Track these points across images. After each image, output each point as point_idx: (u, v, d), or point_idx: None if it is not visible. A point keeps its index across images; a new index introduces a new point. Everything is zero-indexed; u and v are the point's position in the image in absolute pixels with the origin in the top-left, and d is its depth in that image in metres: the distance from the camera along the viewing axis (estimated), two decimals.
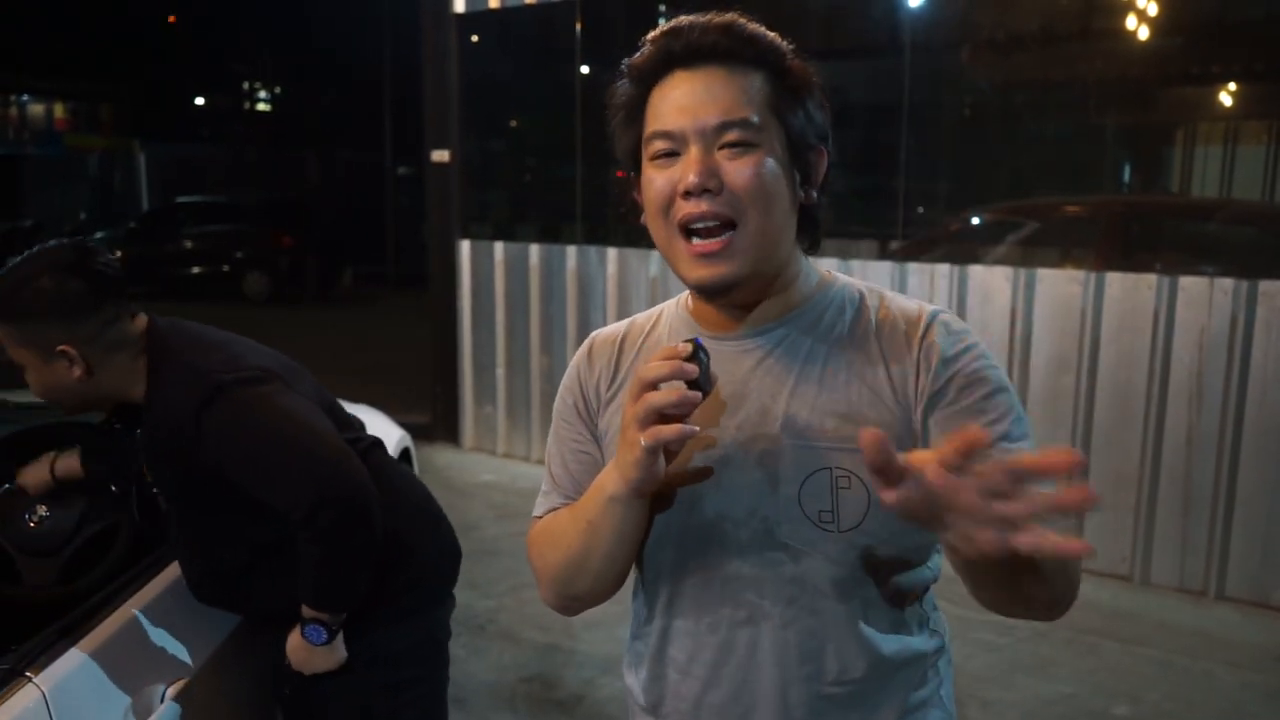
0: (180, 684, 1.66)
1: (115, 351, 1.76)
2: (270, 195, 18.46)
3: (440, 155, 6.19)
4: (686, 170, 1.06)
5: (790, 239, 1.12)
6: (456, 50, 6.15)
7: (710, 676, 1.14)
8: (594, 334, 1.29)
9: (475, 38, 6.23)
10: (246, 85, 36.24)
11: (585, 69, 5.80)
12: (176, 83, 31.38)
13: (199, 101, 34.37)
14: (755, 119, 1.06)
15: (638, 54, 1.11)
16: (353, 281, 17.49)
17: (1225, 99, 5.00)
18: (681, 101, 1.07)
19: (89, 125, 29.81)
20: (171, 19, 32.26)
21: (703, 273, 1.08)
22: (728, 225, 1.06)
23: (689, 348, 0.99)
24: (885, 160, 5.09)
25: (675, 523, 1.12)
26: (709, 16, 1.08)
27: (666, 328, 1.22)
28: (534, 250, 6.05)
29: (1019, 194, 5.20)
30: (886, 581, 1.11)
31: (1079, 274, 4.44)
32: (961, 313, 4.67)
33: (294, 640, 1.81)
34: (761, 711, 1.12)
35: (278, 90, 35.81)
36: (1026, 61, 4.98)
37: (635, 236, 5.81)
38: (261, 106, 36.53)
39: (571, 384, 1.25)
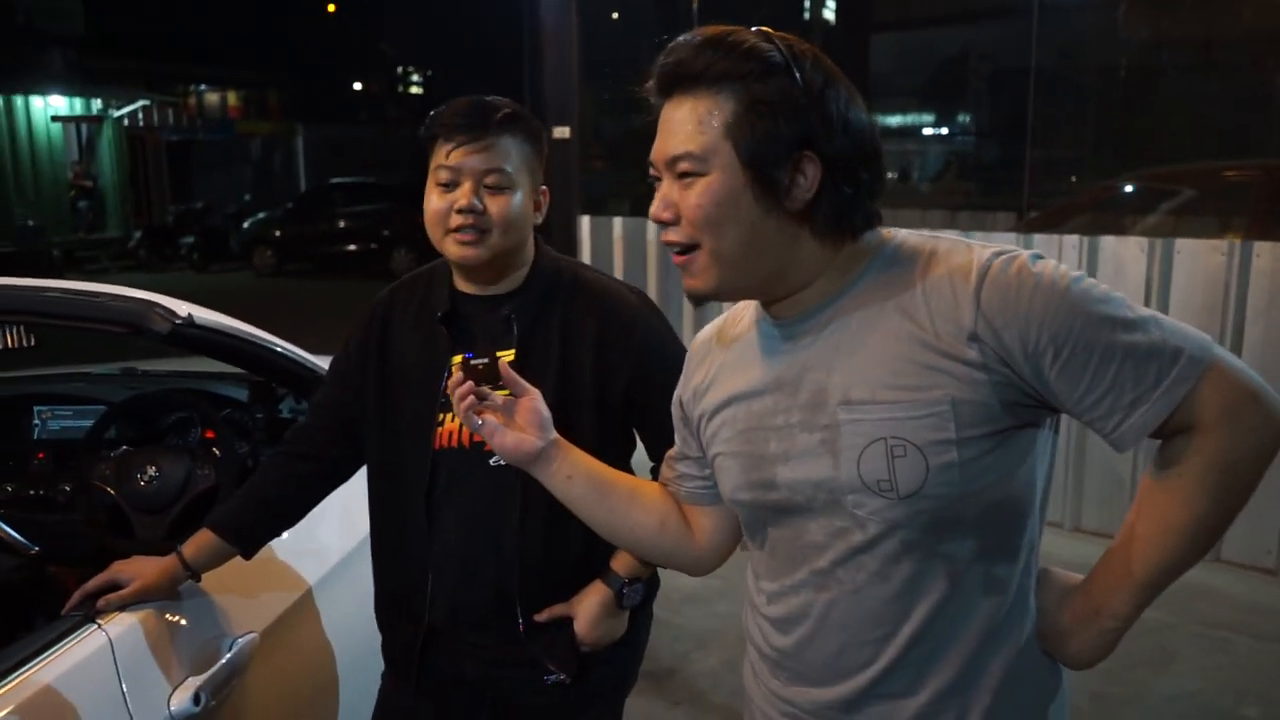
0: (248, 638, 1.74)
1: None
2: (416, 174, 19.17)
3: (561, 132, 6.25)
4: (654, 202, 1.16)
5: (779, 247, 1.13)
6: (576, 26, 6.19)
7: (800, 634, 1.21)
8: (701, 331, 1.40)
9: (594, 13, 6.25)
10: (400, 69, 37.53)
11: None
12: (336, 68, 32.80)
13: (356, 86, 35.84)
14: (698, 150, 1.11)
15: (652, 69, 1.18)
16: None
17: None
18: (658, 134, 1.16)
19: (258, 111, 31.57)
20: (331, 7, 33.71)
21: (685, 285, 1.18)
22: (691, 248, 1.15)
23: (459, 375, 1.37)
24: (1013, 128, 4.85)
25: (758, 500, 1.22)
26: (692, 36, 1.13)
27: (749, 322, 1.29)
28: (651, 225, 6.05)
29: (1158, 161, 4.88)
30: (969, 540, 1.12)
31: (1222, 244, 4.13)
32: None
33: (597, 608, 1.63)
34: (842, 671, 1.18)
35: (429, 73, 36.95)
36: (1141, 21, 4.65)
37: None
38: (415, 90, 37.77)
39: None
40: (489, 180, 1.56)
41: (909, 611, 1.13)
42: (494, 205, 1.56)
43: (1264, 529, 4.07)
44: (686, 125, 1.12)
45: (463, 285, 1.68)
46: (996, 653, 1.15)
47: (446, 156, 1.57)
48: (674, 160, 1.13)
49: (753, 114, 1.09)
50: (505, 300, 1.66)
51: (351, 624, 2.12)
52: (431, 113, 1.62)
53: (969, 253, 1.11)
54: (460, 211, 1.55)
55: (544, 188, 1.67)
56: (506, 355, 1.63)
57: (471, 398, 1.36)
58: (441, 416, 1.65)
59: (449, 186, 1.58)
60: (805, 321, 1.17)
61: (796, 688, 1.24)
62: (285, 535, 2.02)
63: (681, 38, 1.14)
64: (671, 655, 3.47)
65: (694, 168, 1.12)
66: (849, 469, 1.11)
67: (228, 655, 1.67)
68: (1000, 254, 1.09)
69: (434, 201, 1.59)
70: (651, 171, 1.18)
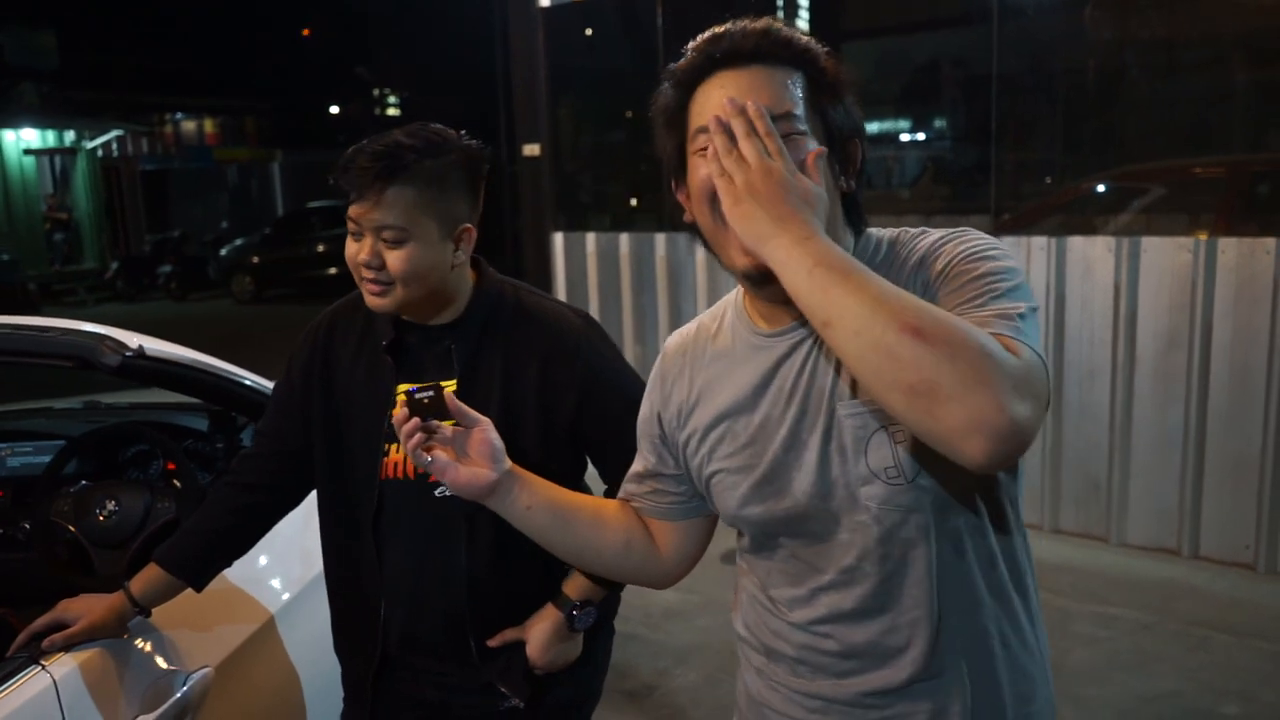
0: (201, 673, 1.71)
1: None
2: None
3: (531, 149, 6.25)
4: None
5: (837, 227, 1.15)
6: (543, 44, 6.19)
7: (838, 631, 1.20)
8: (667, 342, 1.36)
9: (560, 31, 6.26)
10: (376, 92, 37.54)
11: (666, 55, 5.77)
12: (313, 93, 32.76)
13: (334, 110, 35.81)
14: (799, 112, 1.12)
15: (681, 59, 1.18)
16: None
17: None
18: (723, 92, 1.12)
19: (236, 138, 31.50)
20: (305, 32, 33.70)
21: (751, 259, 1.08)
22: None
23: (404, 412, 1.30)
24: (978, 132, 4.88)
25: (769, 512, 1.20)
26: (746, 22, 1.15)
27: (730, 334, 1.27)
28: (624, 240, 6.05)
29: (1127, 160, 4.91)
30: (967, 514, 1.15)
31: (1189, 241, 4.15)
32: (1061, 287, 4.44)
33: (549, 632, 1.62)
34: (880, 658, 1.18)
35: (406, 95, 36.96)
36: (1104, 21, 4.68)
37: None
38: (391, 111, 37.77)
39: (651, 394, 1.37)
40: (385, 235, 1.52)
41: (937, 590, 1.15)
42: (392, 259, 1.53)
43: (1242, 524, 4.08)
44: (774, 88, 1.12)
45: (403, 314, 1.67)
46: (1011, 615, 1.19)
47: (349, 207, 1.56)
48: (775, 119, 1.09)
49: (830, 91, 1.15)
50: (446, 331, 1.64)
51: (317, 653, 2.08)
52: (344, 153, 1.57)
53: (926, 237, 1.16)
54: (363, 265, 1.54)
55: (467, 226, 1.59)
56: (449, 385, 1.61)
57: (419, 434, 1.30)
58: (387, 447, 1.63)
59: (355, 236, 1.56)
60: (802, 328, 1.17)
61: (824, 680, 1.22)
62: (262, 560, 1.99)
63: (729, 26, 1.16)
64: (652, 671, 3.44)
65: (793, 129, 1.11)
66: (858, 462, 1.13)
67: (180, 692, 1.64)
68: (955, 230, 1.16)
69: (349, 246, 1.58)
70: (700, 140, 1.13)
